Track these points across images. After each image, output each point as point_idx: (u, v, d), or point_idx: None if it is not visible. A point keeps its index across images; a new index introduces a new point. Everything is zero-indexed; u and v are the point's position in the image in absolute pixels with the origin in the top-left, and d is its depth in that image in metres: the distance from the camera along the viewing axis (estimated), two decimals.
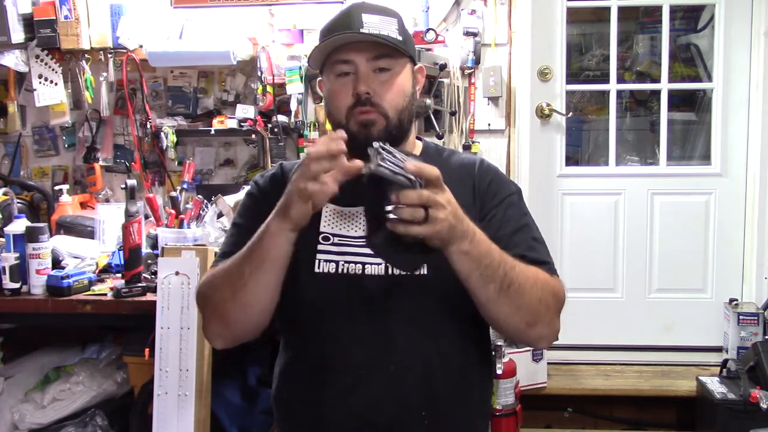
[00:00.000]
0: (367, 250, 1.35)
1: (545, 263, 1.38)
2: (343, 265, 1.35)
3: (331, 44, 1.34)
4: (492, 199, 1.42)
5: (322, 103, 1.46)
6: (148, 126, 3.00)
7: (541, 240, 1.43)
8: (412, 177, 1.13)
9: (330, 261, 1.35)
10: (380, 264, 1.34)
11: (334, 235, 1.38)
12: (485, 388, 1.50)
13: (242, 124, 2.91)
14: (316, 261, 1.36)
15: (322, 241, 1.37)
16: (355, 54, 1.34)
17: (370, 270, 1.34)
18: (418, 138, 1.52)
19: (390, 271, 1.34)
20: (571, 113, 3.11)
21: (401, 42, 1.36)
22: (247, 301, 1.29)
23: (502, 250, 1.28)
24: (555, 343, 2.82)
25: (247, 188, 1.52)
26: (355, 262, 1.35)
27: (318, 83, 1.48)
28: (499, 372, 2.46)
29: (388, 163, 1.13)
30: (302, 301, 1.37)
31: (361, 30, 1.33)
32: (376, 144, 1.15)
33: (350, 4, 1.41)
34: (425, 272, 1.34)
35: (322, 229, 1.39)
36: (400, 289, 1.34)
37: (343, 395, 1.34)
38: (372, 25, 1.34)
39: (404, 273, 1.33)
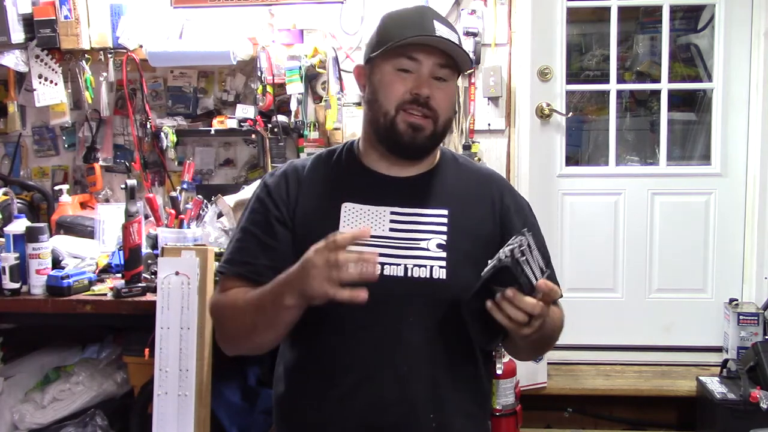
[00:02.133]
0: (387, 251, 1.36)
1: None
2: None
3: (415, 41, 1.34)
4: (515, 219, 1.45)
5: (364, 93, 1.46)
6: (148, 126, 3.00)
7: (550, 259, 1.49)
8: (533, 284, 1.20)
9: None
10: (399, 265, 1.35)
11: None
12: (488, 388, 1.52)
13: (242, 124, 2.91)
14: None
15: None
16: (425, 56, 1.35)
17: (388, 271, 1.35)
18: None
19: (409, 273, 1.34)
20: (571, 113, 3.11)
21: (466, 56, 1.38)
22: (259, 341, 1.36)
23: None
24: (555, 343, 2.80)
25: (256, 190, 1.50)
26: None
27: (358, 70, 1.46)
28: (499, 372, 2.46)
29: (524, 262, 1.19)
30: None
31: (435, 33, 1.34)
32: (524, 240, 1.20)
33: (420, 6, 1.44)
34: (443, 276, 1.35)
35: (341, 229, 1.38)
36: (417, 292, 1.35)
37: (352, 395, 1.34)
38: (443, 32, 1.35)
39: (423, 277, 1.35)
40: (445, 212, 1.40)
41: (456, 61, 1.37)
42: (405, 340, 1.34)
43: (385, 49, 1.36)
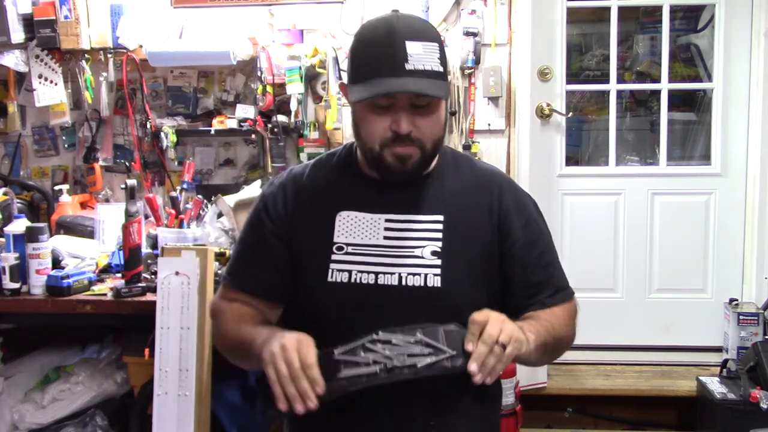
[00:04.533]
0: (381, 260, 1.35)
1: (566, 287, 1.45)
2: (356, 274, 1.35)
3: (377, 92, 1.29)
4: (516, 218, 1.42)
5: (347, 124, 1.46)
6: (148, 126, 2.99)
7: (557, 257, 1.48)
8: (451, 352, 1.17)
9: (343, 270, 1.35)
10: (393, 273, 1.34)
11: (348, 245, 1.37)
12: (496, 400, 1.51)
13: (242, 124, 2.91)
14: (329, 271, 1.36)
15: (335, 251, 1.37)
16: (398, 93, 1.30)
17: (383, 280, 1.34)
18: None
19: (403, 282, 1.34)
20: (571, 113, 3.11)
21: (442, 74, 1.31)
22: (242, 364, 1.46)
23: (528, 273, 1.39)
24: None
25: (255, 201, 1.51)
26: (368, 272, 1.35)
27: (341, 86, 1.46)
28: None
29: (424, 368, 1.17)
30: (313, 310, 1.37)
31: (406, 65, 1.27)
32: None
33: (391, 23, 1.32)
34: (438, 284, 1.34)
35: (336, 239, 1.38)
36: (412, 300, 1.34)
37: (353, 402, 1.33)
38: (416, 57, 1.28)
39: (417, 285, 1.35)
40: (440, 218, 1.39)
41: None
42: None
43: (358, 100, 1.32)
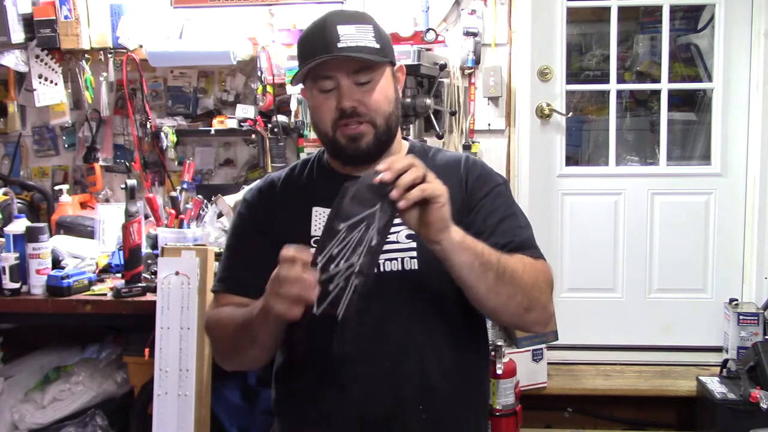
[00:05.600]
0: None
1: (531, 247, 1.40)
2: None
3: (310, 67, 1.34)
4: (480, 190, 1.43)
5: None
6: (148, 126, 3.00)
7: (528, 226, 1.45)
8: (376, 208, 1.14)
9: None
10: None
11: None
12: (483, 385, 1.52)
13: (242, 124, 2.91)
14: None
15: (314, 245, 1.38)
16: (336, 70, 1.34)
17: None
18: (405, 138, 1.54)
19: (381, 268, 1.36)
20: (571, 113, 3.11)
21: (379, 50, 1.36)
22: (245, 359, 1.40)
23: (489, 237, 1.33)
24: (555, 343, 2.83)
25: (237, 206, 1.55)
26: None
27: (302, 91, 1.49)
28: (499, 372, 2.46)
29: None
30: None
31: (338, 44, 1.32)
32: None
33: (324, 15, 1.39)
34: (415, 267, 1.36)
35: (313, 233, 1.41)
36: (392, 285, 1.36)
37: (341, 391, 1.36)
38: (348, 36, 1.33)
39: (395, 270, 1.35)
40: None
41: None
42: (387, 334, 1.35)
43: (297, 79, 1.39)
